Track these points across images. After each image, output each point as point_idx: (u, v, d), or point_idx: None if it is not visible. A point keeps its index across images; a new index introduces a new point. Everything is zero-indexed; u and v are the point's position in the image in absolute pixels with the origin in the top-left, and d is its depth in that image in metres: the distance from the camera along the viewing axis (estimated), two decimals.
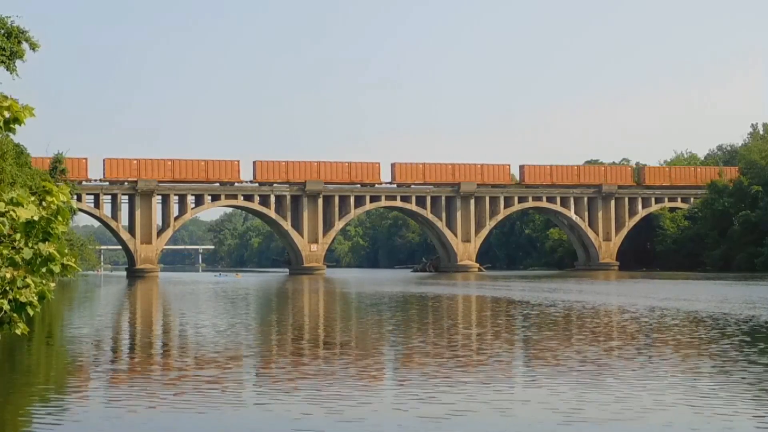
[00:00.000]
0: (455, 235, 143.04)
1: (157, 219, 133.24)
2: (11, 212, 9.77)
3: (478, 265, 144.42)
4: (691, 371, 22.08)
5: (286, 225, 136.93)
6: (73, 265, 10.14)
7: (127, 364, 25.90)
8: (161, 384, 20.87)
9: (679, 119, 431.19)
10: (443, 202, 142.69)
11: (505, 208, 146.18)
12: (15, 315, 9.98)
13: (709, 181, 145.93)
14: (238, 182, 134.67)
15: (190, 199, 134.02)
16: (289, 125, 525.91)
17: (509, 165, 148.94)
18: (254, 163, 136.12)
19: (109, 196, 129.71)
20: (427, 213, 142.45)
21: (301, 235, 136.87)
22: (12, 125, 10.28)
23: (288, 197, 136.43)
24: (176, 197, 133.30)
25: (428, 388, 19.57)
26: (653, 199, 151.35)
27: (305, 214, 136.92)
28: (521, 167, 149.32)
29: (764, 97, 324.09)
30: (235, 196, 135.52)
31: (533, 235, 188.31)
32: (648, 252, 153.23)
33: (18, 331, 10.04)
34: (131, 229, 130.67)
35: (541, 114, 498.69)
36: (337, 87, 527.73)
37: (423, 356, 25.77)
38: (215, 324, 38.90)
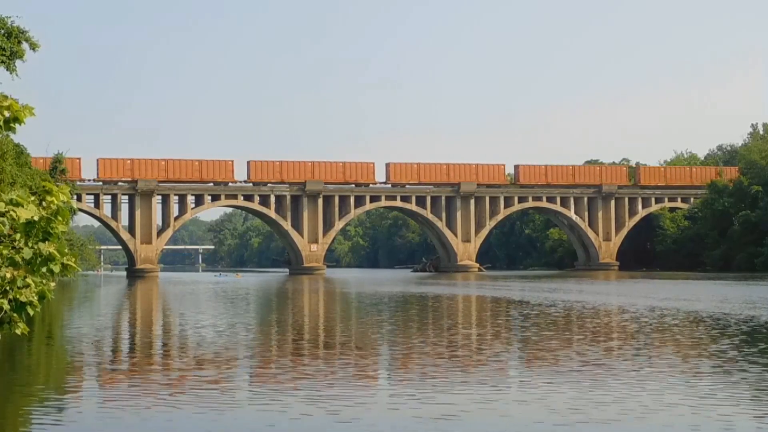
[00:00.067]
0: (455, 235, 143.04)
1: (157, 219, 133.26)
2: (11, 212, 9.76)
3: (478, 265, 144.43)
4: (691, 371, 22.08)
5: (286, 225, 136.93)
6: (73, 265, 10.13)
7: (126, 364, 25.89)
8: (161, 384, 20.86)
9: (679, 119, 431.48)
10: (443, 202, 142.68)
11: (504, 208, 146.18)
12: (15, 315, 9.98)
13: (705, 182, 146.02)
14: (232, 182, 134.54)
15: (190, 199, 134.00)
16: (289, 125, 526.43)
17: (504, 165, 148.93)
18: (248, 162, 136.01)
19: (109, 196, 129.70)
20: (427, 213, 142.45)
21: (301, 235, 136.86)
22: (12, 125, 10.28)
23: (288, 197, 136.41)
24: (176, 197, 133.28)
25: (427, 389, 19.56)
26: (653, 199, 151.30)
27: (305, 214, 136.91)
28: (516, 167, 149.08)
29: (764, 97, 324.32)
30: (235, 196, 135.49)
31: (533, 235, 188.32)
32: (648, 252, 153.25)
33: (18, 331, 10.03)
34: (131, 229, 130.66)
35: (541, 114, 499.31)
36: (337, 87, 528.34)
37: (422, 356, 25.76)
38: (215, 324, 38.89)
